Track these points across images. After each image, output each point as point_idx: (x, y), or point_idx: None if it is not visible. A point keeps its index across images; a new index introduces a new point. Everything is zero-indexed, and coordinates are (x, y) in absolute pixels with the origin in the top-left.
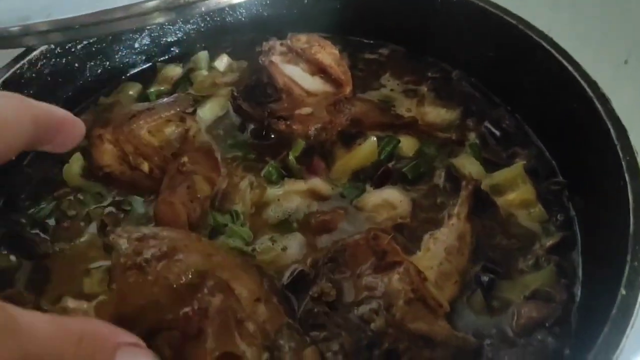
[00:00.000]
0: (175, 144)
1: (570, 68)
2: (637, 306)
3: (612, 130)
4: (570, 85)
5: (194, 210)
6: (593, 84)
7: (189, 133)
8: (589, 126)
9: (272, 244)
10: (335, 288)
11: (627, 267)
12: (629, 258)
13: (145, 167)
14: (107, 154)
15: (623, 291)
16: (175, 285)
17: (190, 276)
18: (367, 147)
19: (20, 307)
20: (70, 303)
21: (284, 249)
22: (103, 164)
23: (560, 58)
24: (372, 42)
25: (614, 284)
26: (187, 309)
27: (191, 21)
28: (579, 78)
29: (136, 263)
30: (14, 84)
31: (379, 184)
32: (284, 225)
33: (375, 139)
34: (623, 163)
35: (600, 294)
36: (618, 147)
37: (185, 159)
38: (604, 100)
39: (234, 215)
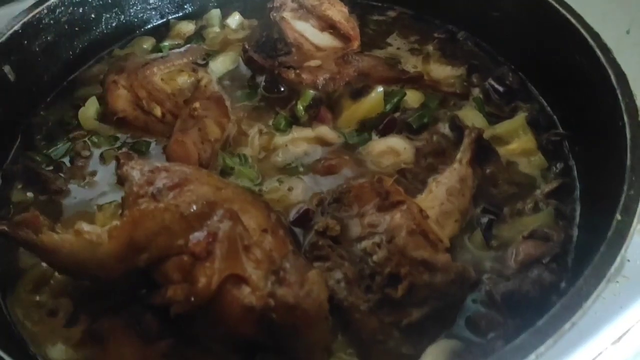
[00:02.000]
0: (187, 92)
1: (573, 21)
2: (632, 229)
3: (612, 76)
4: (573, 38)
5: (204, 151)
6: (595, 35)
7: (200, 83)
8: (591, 75)
9: (279, 185)
10: (340, 224)
11: (623, 196)
12: (625, 188)
13: (158, 111)
14: (122, 99)
15: (619, 216)
16: (185, 213)
17: (200, 205)
18: (374, 98)
19: (36, 229)
20: (85, 227)
21: (290, 189)
22: (117, 109)
23: (564, 12)
24: (379, 4)
25: (611, 214)
26: (197, 233)
27: None
28: (582, 30)
29: (148, 192)
30: (33, 28)
31: (384, 133)
32: (290, 169)
33: (382, 89)
34: (622, 105)
35: (597, 230)
36: (618, 92)
37: (197, 104)
38: (606, 50)
39: (242, 158)
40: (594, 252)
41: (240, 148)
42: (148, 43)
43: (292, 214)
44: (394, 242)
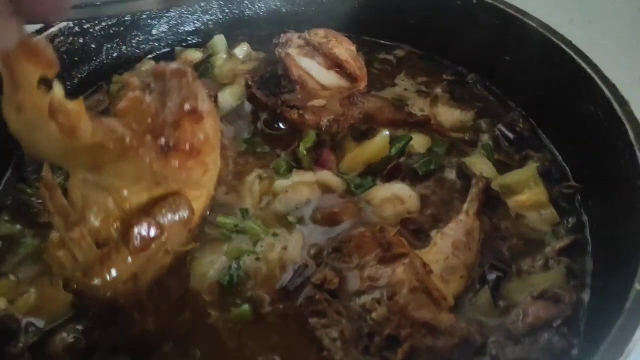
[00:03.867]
0: None
1: (589, 70)
2: None
3: (630, 131)
4: (588, 88)
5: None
6: (612, 87)
7: None
8: (606, 128)
9: (274, 242)
10: (338, 277)
11: None
12: None
13: None
14: None
15: (637, 286)
16: None
17: None
18: (379, 141)
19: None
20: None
21: (285, 248)
22: None
23: (579, 60)
24: (388, 43)
25: (627, 281)
26: None
27: (210, 12)
28: (598, 80)
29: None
30: None
31: (388, 179)
32: (291, 217)
33: (387, 133)
34: None
35: (611, 294)
36: (636, 148)
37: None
38: (623, 102)
39: (244, 213)
40: (611, 323)
41: (238, 200)
42: (147, 65)
43: (288, 273)
44: (395, 299)
